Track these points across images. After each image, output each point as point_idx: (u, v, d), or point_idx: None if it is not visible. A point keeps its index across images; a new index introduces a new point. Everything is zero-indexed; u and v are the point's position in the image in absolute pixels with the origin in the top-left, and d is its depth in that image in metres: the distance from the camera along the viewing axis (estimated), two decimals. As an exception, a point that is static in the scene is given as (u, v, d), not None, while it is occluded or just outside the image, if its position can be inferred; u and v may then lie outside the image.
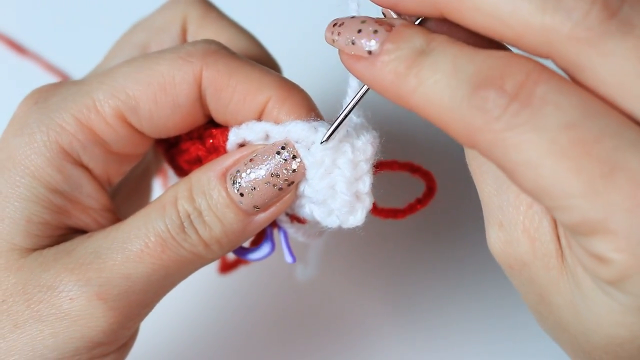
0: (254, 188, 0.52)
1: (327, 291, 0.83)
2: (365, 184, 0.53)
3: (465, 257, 0.84)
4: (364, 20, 0.44)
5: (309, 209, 0.55)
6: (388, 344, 0.80)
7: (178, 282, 0.56)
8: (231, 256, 0.76)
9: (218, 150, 0.56)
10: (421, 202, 0.59)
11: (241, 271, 0.81)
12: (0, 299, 0.52)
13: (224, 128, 0.56)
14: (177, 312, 0.80)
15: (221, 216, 0.53)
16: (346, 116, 0.51)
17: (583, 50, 0.38)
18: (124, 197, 0.66)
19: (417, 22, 0.45)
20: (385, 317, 0.82)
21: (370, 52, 0.43)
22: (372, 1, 0.45)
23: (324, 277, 0.79)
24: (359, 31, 0.44)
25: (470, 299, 0.82)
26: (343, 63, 0.45)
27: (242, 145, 0.55)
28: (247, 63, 0.54)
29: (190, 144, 0.58)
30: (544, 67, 0.39)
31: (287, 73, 0.61)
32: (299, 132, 0.52)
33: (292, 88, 0.54)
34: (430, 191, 0.59)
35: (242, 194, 0.53)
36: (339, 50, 0.45)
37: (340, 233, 0.56)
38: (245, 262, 0.75)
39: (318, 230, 0.59)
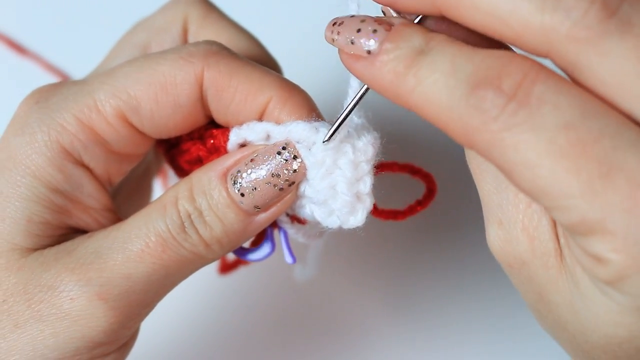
0: (255, 188, 0.52)
1: (327, 291, 0.83)
2: (366, 184, 0.53)
3: (465, 257, 0.84)
4: (364, 19, 0.44)
5: (309, 209, 0.55)
6: (388, 344, 0.80)
7: (178, 282, 0.56)
8: (231, 256, 0.76)
9: (219, 151, 0.56)
10: (421, 203, 0.59)
11: (241, 271, 0.81)
12: (1, 298, 0.52)
13: (224, 128, 0.56)
14: (177, 312, 0.80)
15: (222, 216, 0.53)
16: (347, 116, 0.51)
17: (582, 49, 0.38)
18: (125, 197, 0.66)
19: (416, 21, 0.45)
20: (385, 317, 0.82)
21: (369, 52, 0.43)
22: None
23: (324, 277, 0.79)
24: (359, 30, 0.44)
25: (470, 299, 0.82)
26: (343, 62, 0.45)
27: (243, 145, 0.55)
28: (248, 64, 0.54)
29: (191, 144, 0.58)
30: (542, 67, 0.39)
31: (288, 73, 0.61)
32: (300, 132, 0.52)
33: (293, 88, 0.54)
34: (430, 193, 0.59)
35: (242, 194, 0.53)
36: (339, 49, 0.45)
37: (340, 233, 0.56)
38: (245, 262, 0.75)
39: (318, 230, 0.59)
